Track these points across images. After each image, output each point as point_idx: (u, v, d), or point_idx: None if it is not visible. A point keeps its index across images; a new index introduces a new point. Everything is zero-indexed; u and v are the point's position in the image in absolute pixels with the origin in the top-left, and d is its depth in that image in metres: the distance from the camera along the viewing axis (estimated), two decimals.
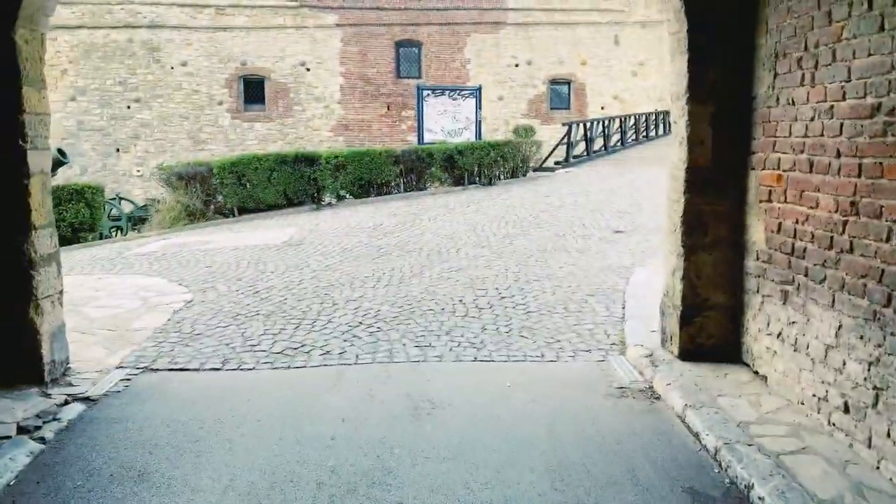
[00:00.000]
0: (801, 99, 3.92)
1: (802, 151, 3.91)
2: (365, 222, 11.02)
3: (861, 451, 3.34)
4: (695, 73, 4.65)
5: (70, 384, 4.66)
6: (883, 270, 3.22)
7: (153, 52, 26.96)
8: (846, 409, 3.47)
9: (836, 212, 3.58)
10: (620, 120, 22.98)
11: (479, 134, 17.96)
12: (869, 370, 3.30)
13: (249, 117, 27.28)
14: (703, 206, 4.70)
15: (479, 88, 18.77)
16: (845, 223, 3.50)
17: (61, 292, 4.83)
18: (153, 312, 6.42)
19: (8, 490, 3.37)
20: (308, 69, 27.25)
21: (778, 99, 4.18)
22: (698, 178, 4.69)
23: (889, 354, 3.17)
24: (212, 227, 12.26)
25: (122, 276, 8.17)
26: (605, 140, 21.02)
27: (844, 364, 3.49)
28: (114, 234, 18.87)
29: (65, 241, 12.21)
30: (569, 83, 28.06)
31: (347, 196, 13.79)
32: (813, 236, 3.79)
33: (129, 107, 27.10)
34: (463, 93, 18.22)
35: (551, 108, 27.90)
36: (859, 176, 3.39)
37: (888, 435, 3.16)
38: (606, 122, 21.28)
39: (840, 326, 3.53)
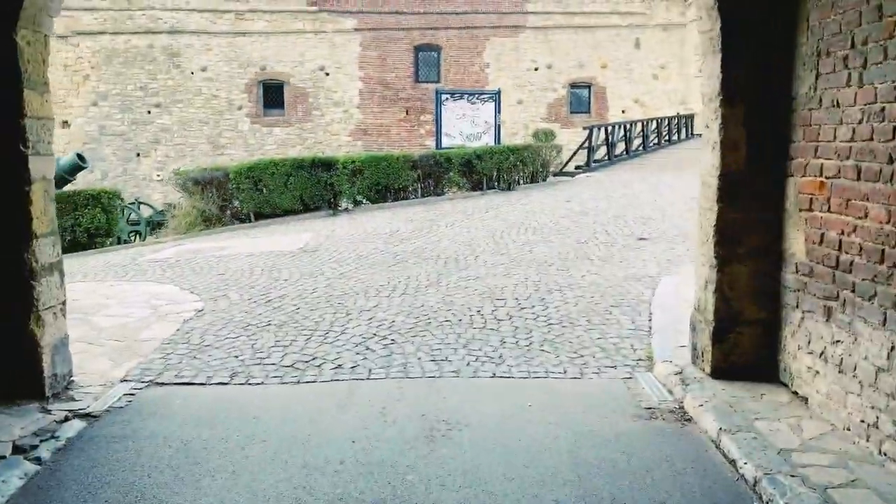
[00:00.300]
0: (847, 100, 3.63)
1: (849, 157, 3.62)
2: (381, 228, 10.82)
3: None
4: (728, 74, 4.38)
5: (72, 399, 4.48)
6: None
7: (173, 58, 27.08)
8: None
9: (888, 223, 3.28)
10: (642, 124, 22.60)
11: (498, 138, 17.71)
12: None
13: (269, 122, 27.28)
14: (737, 214, 4.42)
15: (499, 92, 18.53)
16: None
17: (64, 303, 4.65)
18: (163, 322, 6.24)
19: None
20: (327, 74, 27.20)
21: (821, 100, 3.90)
22: (732, 184, 4.41)
23: None
24: (228, 232, 12.13)
25: (134, 284, 8.02)
26: (626, 144, 20.67)
27: None
28: (133, 238, 18.87)
29: (81, 246, 12.17)
30: (589, 87, 27.74)
31: (364, 201, 13.60)
32: (861, 249, 3.50)
33: (149, 112, 27.22)
34: (482, 96, 17.99)
35: (571, 112, 27.59)
36: None
37: None
38: (628, 126, 20.93)
39: (893, 348, 3.24)
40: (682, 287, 6.82)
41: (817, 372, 3.92)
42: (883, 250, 3.32)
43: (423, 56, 27.25)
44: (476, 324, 5.90)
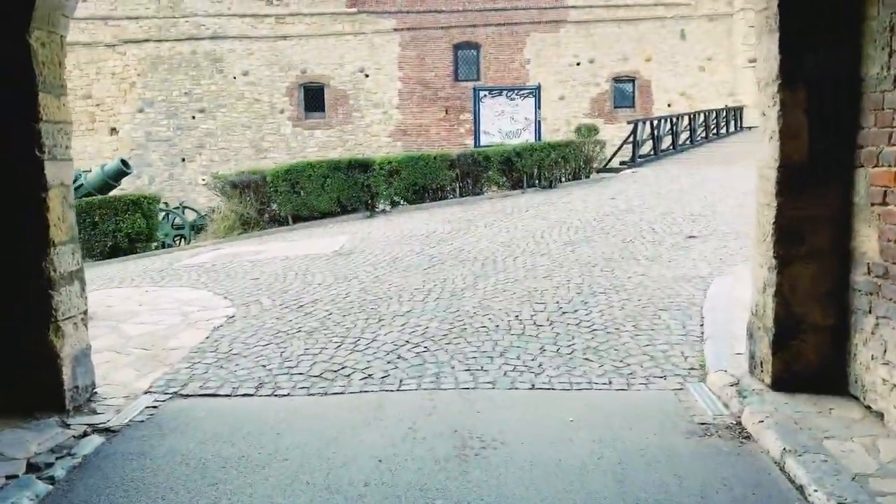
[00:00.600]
0: None
1: None
2: (418, 230, 10.56)
3: None
4: (787, 55, 3.97)
5: (94, 412, 4.33)
6: None
7: (216, 63, 27.40)
8: None
9: None
10: (689, 117, 21.87)
11: (538, 135, 17.28)
12: None
13: (310, 125, 27.38)
14: (799, 210, 4.00)
15: (538, 87, 18.09)
16: None
17: (85, 312, 4.50)
18: (192, 329, 6.10)
19: None
20: (367, 75, 27.16)
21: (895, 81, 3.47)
22: (793, 177, 4.00)
23: None
24: (265, 235, 12.05)
25: (167, 289, 7.94)
26: (673, 138, 20.00)
27: None
28: (178, 242, 19.10)
29: (122, 251, 12.25)
30: (633, 80, 27.07)
31: (402, 202, 13.39)
32: None
33: (193, 117, 27.61)
34: (521, 93, 17.59)
35: (615, 107, 26.98)
36: None
37: None
38: (674, 120, 20.26)
39: None
40: (736, 288, 6.38)
41: (895, 385, 3.50)
42: None
43: (462, 54, 26.99)
44: (514, 330, 5.58)
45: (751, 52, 26.42)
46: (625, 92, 27.24)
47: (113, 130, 28.01)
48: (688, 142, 21.50)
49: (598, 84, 27.11)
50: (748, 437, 3.74)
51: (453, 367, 4.87)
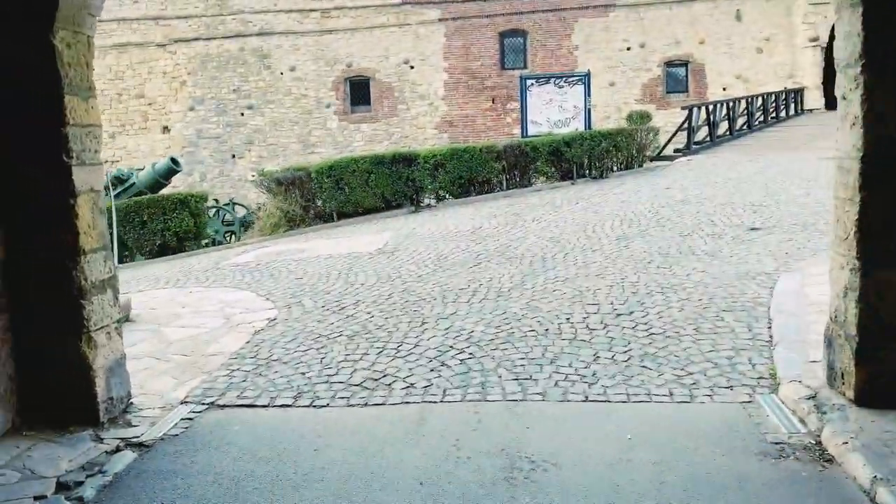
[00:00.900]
0: None
1: None
2: (463, 225, 10.27)
3: None
4: (872, 31, 3.53)
5: (128, 424, 4.20)
6: None
7: (263, 59, 27.60)
8: None
9: None
10: (747, 101, 20.95)
11: (588, 123, 16.74)
12: None
13: (356, 119, 27.36)
14: (887, 205, 3.57)
15: (588, 74, 17.52)
16: None
17: (119, 321, 4.38)
18: (233, 333, 5.95)
19: None
20: (412, 67, 26.96)
21: None
22: (880, 169, 3.56)
23: None
24: (310, 232, 11.95)
25: (211, 290, 7.85)
26: (730, 124, 19.17)
27: None
28: (228, 239, 19.28)
29: (170, 250, 12.32)
30: (686, 64, 26.17)
31: (447, 196, 13.11)
32: None
33: (242, 114, 27.90)
34: (570, 80, 17.06)
35: (667, 92, 26.16)
36: None
37: None
38: (731, 104, 19.41)
39: None
40: (805, 286, 5.91)
41: None
42: None
43: (508, 42, 26.52)
44: (565, 334, 5.25)
45: (812, 32, 25.19)
46: (677, 77, 26.36)
47: (165, 129, 28.54)
48: (745, 127, 20.62)
49: (649, 69, 26.30)
50: (830, 461, 3.35)
51: (500, 376, 4.58)
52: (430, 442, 3.74)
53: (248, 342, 5.67)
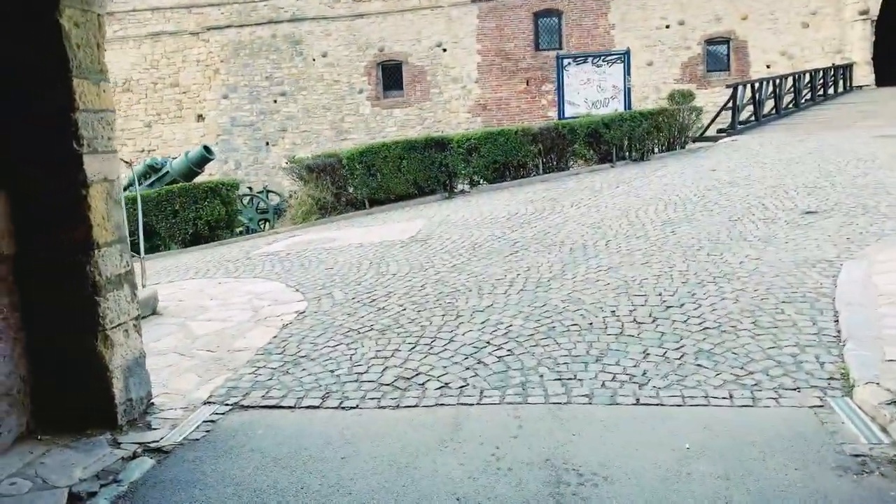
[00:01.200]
0: None
1: None
2: (499, 211, 9.90)
3: None
4: None
5: (148, 426, 3.98)
6: None
7: (295, 46, 27.46)
8: None
9: None
10: (794, 78, 20.06)
11: (628, 103, 16.15)
12: None
13: (388, 104, 27.07)
14: None
15: (627, 52, 16.88)
16: None
17: (137, 318, 4.15)
18: (260, 327, 5.72)
19: None
20: (444, 50, 26.54)
21: None
22: None
23: None
24: (342, 220, 11.70)
25: (241, 281, 7.66)
26: (776, 102, 18.36)
27: None
28: (262, 226, 19.22)
29: (202, 239, 12.21)
30: (727, 42, 25.23)
31: (481, 181, 12.73)
32: None
33: (275, 101, 27.84)
34: (608, 58, 16.46)
35: (707, 71, 25.28)
36: None
37: None
38: (777, 82, 18.57)
39: None
40: (873, 275, 5.44)
41: None
42: None
43: (542, 23, 25.89)
44: (611, 329, 4.88)
45: (861, 4, 24.00)
46: (718, 55, 25.44)
47: (199, 117, 28.65)
48: (791, 105, 19.75)
49: (688, 47, 25.44)
50: None
51: (541, 376, 4.24)
52: (467, 450, 3.44)
53: (275, 337, 5.43)
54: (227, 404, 4.25)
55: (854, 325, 4.53)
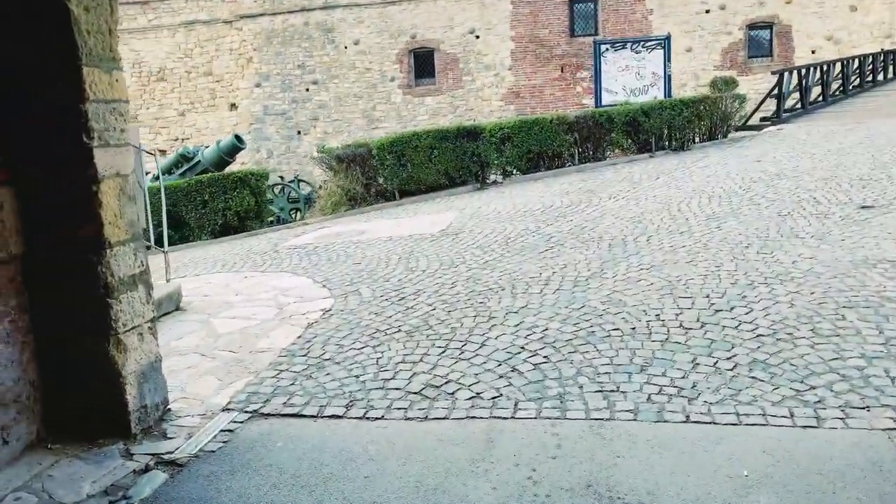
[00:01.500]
0: None
1: None
2: (533, 203, 9.56)
3: None
4: None
5: (163, 435, 3.77)
6: None
7: (328, 33, 27.29)
8: None
9: None
10: (842, 64, 19.23)
11: (668, 91, 15.58)
12: None
13: (420, 92, 26.77)
14: None
15: (668, 37, 16.28)
16: None
17: (153, 320, 3.93)
18: (285, 326, 5.51)
19: None
20: (477, 36, 26.12)
21: None
22: None
23: None
24: (371, 212, 11.47)
25: (267, 275, 7.46)
26: (823, 89, 17.60)
27: None
28: (293, 215, 19.14)
29: (232, 229, 12.10)
30: (770, 26, 24.34)
31: (514, 172, 12.38)
32: None
33: (307, 89, 27.72)
34: (647, 44, 15.89)
35: (749, 57, 24.43)
36: None
37: None
38: (825, 68, 17.81)
39: None
40: None
41: None
42: None
43: (578, 8, 25.28)
44: (655, 335, 4.55)
45: None
46: (760, 40, 24.57)
47: (232, 106, 28.71)
48: (839, 92, 18.95)
49: (729, 32, 24.62)
50: None
51: (581, 387, 3.93)
52: (501, 471, 3.15)
53: (299, 337, 5.21)
54: (246, 412, 4.02)
55: None
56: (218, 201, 11.98)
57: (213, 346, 5.18)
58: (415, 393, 4.06)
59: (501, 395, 3.93)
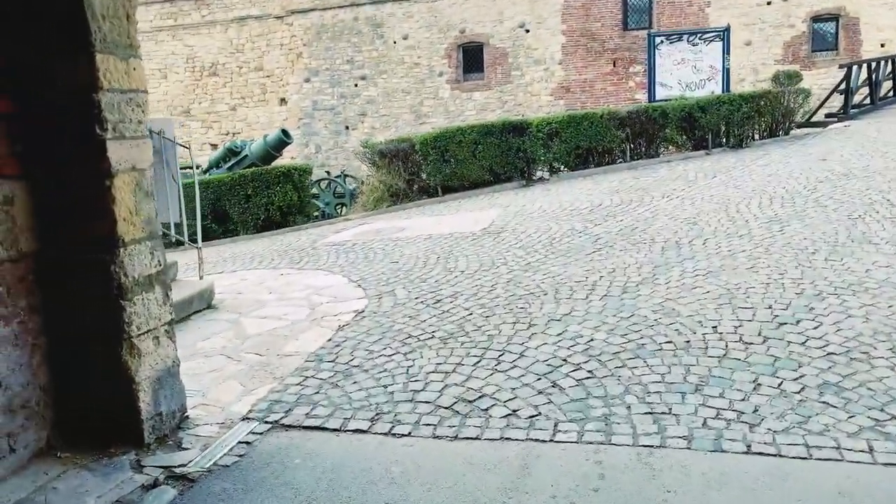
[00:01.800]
0: None
1: None
2: (580, 202, 9.14)
3: None
4: None
5: (178, 445, 3.56)
6: None
7: (377, 28, 27.20)
8: None
9: None
10: None
11: (726, 85, 14.85)
12: None
13: (468, 87, 26.45)
14: None
15: (727, 28, 15.53)
16: None
17: (170, 322, 3.72)
18: (315, 328, 5.27)
19: None
20: (527, 30, 25.64)
21: None
22: None
23: None
24: (413, 208, 11.21)
25: (303, 273, 7.27)
26: (894, 83, 16.59)
27: None
28: (339, 210, 19.05)
29: (274, 224, 12.00)
30: (836, 18, 23.16)
31: (562, 168, 11.94)
32: None
33: (356, 85, 27.69)
34: (705, 36, 15.19)
35: (812, 51, 23.30)
36: None
37: None
38: None
39: None
40: None
41: None
42: None
43: (632, 1, 24.54)
44: (712, 350, 4.14)
45: None
46: (825, 33, 23.41)
47: (282, 101, 28.91)
48: None
49: (792, 25, 23.53)
50: None
51: (629, 407, 3.56)
52: None
53: (329, 340, 4.96)
54: (267, 422, 3.78)
55: None
56: (261, 196, 11.90)
57: (240, 348, 4.98)
58: (445, 408, 3.76)
59: (540, 413, 3.59)
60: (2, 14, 3.15)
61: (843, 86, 14.76)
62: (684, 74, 14.83)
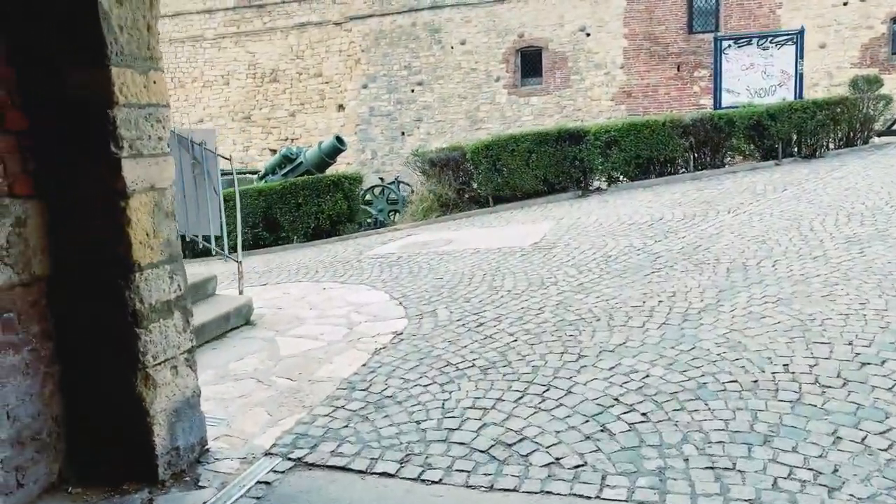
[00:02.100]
0: None
1: None
2: (639, 215, 8.66)
3: None
4: None
5: (195, 483, 3.33)
6: None
7: (434, 34, 27.12)
8: None
9: None
10: None
11: (799, 91, 14.02)
12: None
13: (525, 92, 26.05)
14: None
15: (801, 31, 14.67)
16: None
17: (190, 350, 3.51)
18: (351, 350, 5.02)
19: None
20: (587, 34, 25.07)
21: None
22: None
23: None
24: (462, 219, 10.91)
25: (345, 287, 7.05)
26: None
27: None
28: (392, 217, 18.93)
29: (323, 233, 11.90)
30: None
31: (621, 178, 11.44)
32: None
33: (412, 90, 27.64)
34: (776, 39, 14.37)
35: (893, 54, 21.97)
36: None
37: None
38: None
39: None
40: None
41: None
42: None
43: (697, 4, 23.68)
44: (784, 392, 3.68)
45: None
46: None
47: (340, 107, 29.11)
48: None
49: (871, 27, 22.27)
50: None
51: (687, 460, 3.16)
52: None
53: (363, 365, 4.70)
54: (290, 458, 3.53)
55: None
56: (311, 204, 11.81)
57: (272, 371, 4.76)
58: (482, 451, 3.43)
59: (586, 463, 3.22)
60: (14, 27, 3.00)
61: None
62: (753, 80, 14.06)
